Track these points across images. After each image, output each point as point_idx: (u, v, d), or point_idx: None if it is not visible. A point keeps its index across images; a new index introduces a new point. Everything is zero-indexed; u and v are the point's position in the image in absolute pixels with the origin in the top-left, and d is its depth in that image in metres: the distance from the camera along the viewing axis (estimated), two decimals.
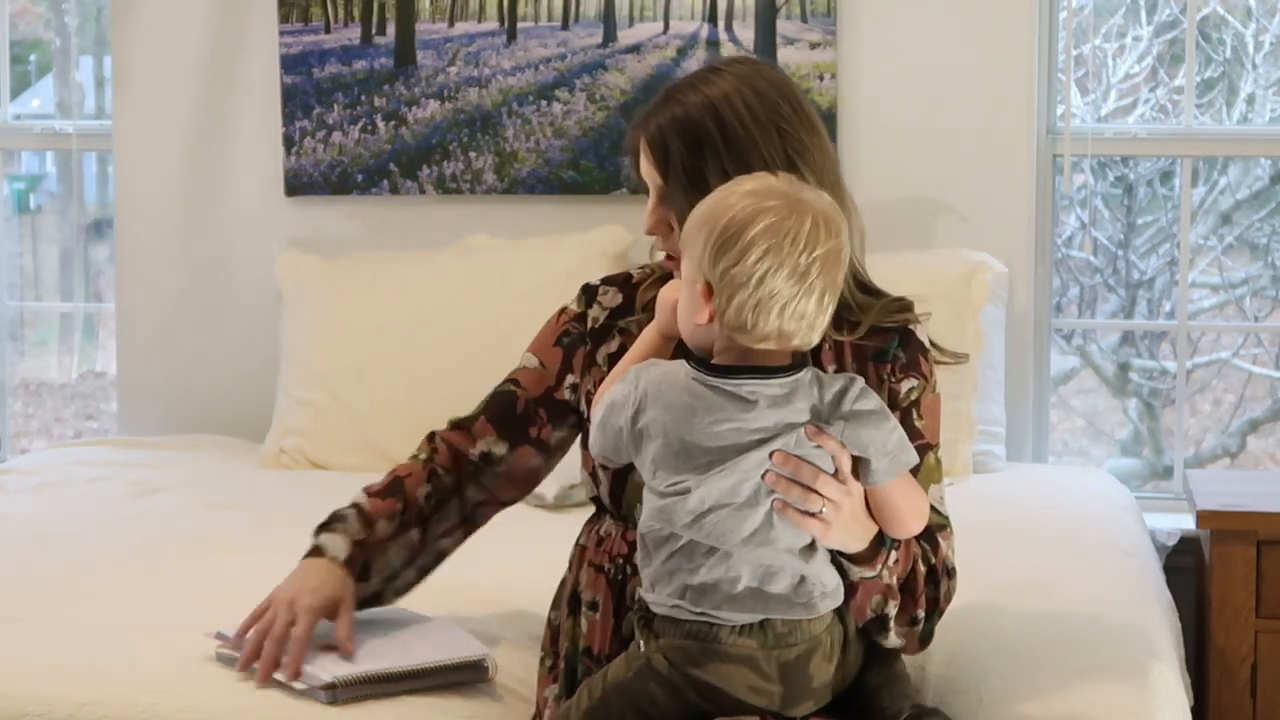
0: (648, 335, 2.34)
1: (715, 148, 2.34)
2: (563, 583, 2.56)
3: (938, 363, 2.45)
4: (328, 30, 4.45)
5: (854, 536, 2.24)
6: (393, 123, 4.43)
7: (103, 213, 6.89)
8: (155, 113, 4.54)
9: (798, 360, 2.21)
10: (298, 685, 2.50)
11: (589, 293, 2.55)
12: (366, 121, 4.44)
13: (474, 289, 4.17)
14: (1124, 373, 5.21)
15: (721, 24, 4.29)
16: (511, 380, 2.61)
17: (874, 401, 2.20)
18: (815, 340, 2.20)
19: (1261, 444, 5.46)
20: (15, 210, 7.05)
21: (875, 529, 2.26)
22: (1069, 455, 5.40)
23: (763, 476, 2.16)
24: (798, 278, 2.13)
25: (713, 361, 2.20)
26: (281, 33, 4.45)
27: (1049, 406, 4.37)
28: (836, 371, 2.34)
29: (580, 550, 2.53)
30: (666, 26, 4.33)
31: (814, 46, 4.24)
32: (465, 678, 2.58)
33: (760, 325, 2.15)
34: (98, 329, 6.79)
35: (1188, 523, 3.86)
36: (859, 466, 2.20)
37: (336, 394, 4.16)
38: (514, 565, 3.10)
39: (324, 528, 2.59)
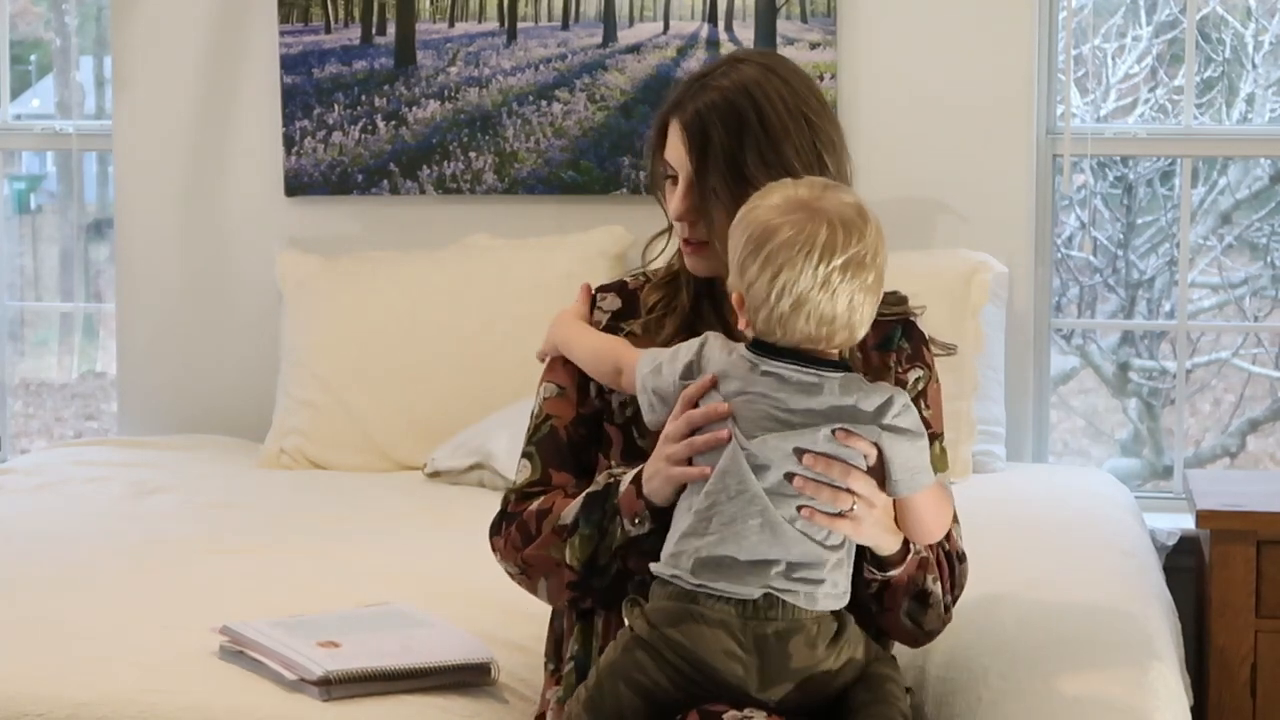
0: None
1: (754, 134, 2.34)
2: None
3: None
4: (328, 30, 4.45)
5: (887, 532, 2.25)
6: (393, 123, 4.43)
7: (103, 213, 6.89)
8: (155, 113, 4.54)
9: (842, 359, 2.23)
10: (289, 676, 2.50)
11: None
12: (366, 121, 4.44)
13: (474, 289, 4.17)
14: (1124, 373, 5.21)
15: (721, 24, 4.29)
16: (544, 417, 2.47)
17: (913, 419, 2.22)
18: (859, 337, 2.22)
19: (1261, 444, 5.46)
20: (15, 210, 7.05)
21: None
22: (1069, 455, 5.39)
23: (789, 479, 2.17)
24: (818, 287, 2.16)
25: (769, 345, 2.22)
26: (281, 33, 4.45)
27: (1049, 406, 4.37)
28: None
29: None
30: (666, 26, 4.33)
31: (814, 46, 4.24)
32: (467, 679, 2.58)
33: (789, 333, 2.18)
34: (98, 329, 6.79)
35: (1188, 523, 3.86)
36: (878, 474, 2.22)
37: (336, 394, 4.16)
38: None
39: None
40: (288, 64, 4.46)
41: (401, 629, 2.66)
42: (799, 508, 2.18)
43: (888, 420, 2.19)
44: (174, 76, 4.52)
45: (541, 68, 4.39)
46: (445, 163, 4.41)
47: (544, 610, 2.59)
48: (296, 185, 4.47)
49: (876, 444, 2.19)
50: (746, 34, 4.27)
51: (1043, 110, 4.23)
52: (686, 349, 2.26)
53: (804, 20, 4.25)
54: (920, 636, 2.39)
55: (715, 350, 2.24)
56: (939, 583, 2.35)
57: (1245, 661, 3.62)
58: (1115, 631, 2.82)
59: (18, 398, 7.00)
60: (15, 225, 7.06)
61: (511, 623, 2.80)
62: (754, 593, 2.18)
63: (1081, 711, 2.52)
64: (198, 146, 4.53)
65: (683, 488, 2.24)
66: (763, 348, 2.21)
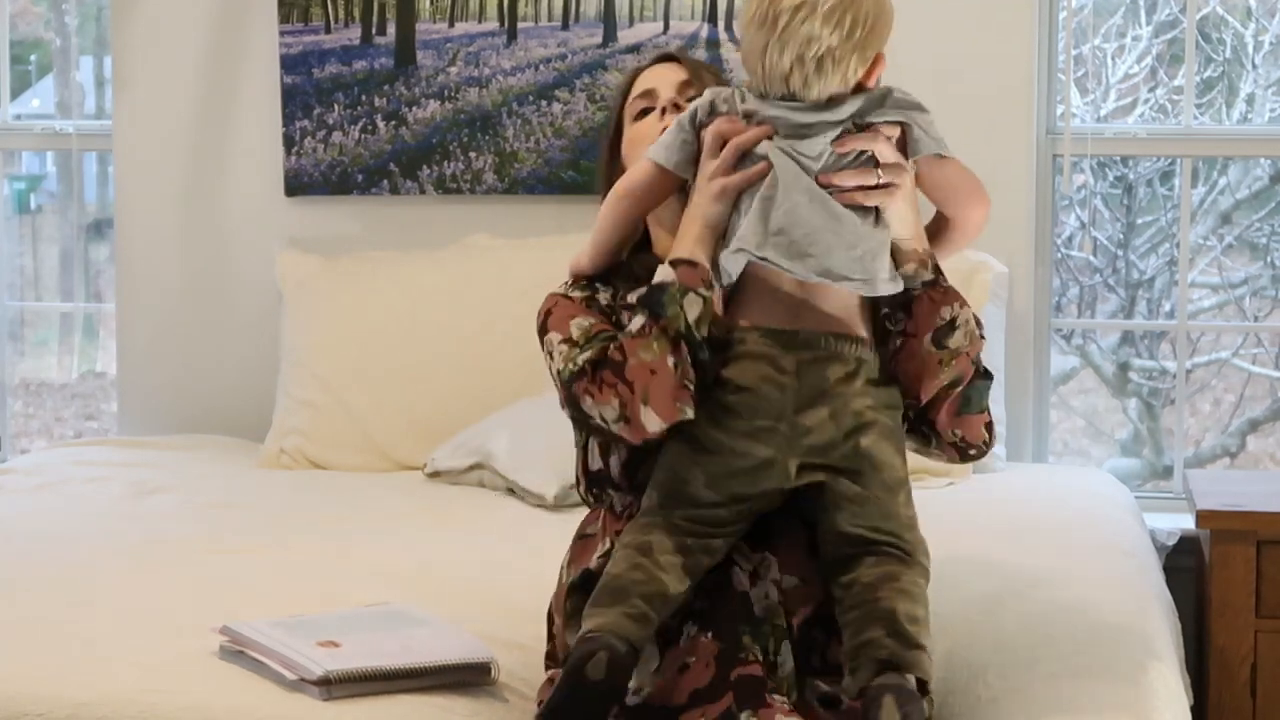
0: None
1: None
2: (565, 588, 2.55)
3: None
4: (328, 30, 4.45)
5: (911, 210, 2.41)
6: (393, 123, 4.43)
7: (103, 213, 6.89)
8: (155, 113, 4.54)
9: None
10: (289, 676, 2.50)
11: (582, 286, 2.55)
12: (366, 121, 4.44)
13: (474, 289, 4.17)
14: (1124, 373, 5.21)
15: (721, 24, 4.29)
16: (594, 332, 2.46)
17: (918, 100, 2.41)
18: (822, 88, 2.33)
19: (1261, 444, 5.46)
20: (15, 210, 7.05)
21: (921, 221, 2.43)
22: (1069, 455, 5.39)
23: (816, 179, 2.32)
24: (769, 26, 2.31)
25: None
26: (281, 33, 4.45)
27: (1049, 406, 4.37)
28: None
29: (584, 541, 2.54)
30: (666, 27, 4.33)
31: None
32: (468, 679, 2.58)
33: (757, 75, 2.35)
34: (98, 329, 6.79)
35: (1188, 523, 3.86)
36: (911, 145, 2.41)
37: (336, 394, 4.16)
38: (514, 565, 3.11)
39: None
40: (288, 64, 4.46)
41: (401, 629, 2.66)
42: (832, 195, 2.32)
43: (896, 96, 2.39)
44: (174, 76, 4.53)
45: (541, 68, 4.39)
46: (445, 163, 4.41)
47: (544, 610, 2.60)
48: (296, 185, 4.47)
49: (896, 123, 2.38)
50: None
51: (1043, 110, 4.23)
52: (699, 104, 2.40)
53: None
54: (946, 362, 2.42)
55: (728, 93, 2.39)
56: (965, 307, 2.44)
57: (1245, 661, 3.62)
58: (1115, 631, 2.82)
59: (18, 398, 7.00)
60: (15, 225, 7.07)
61: (511, 623, 2.80)
62: (812, 275, 2.29)
63: (1081, 711, 2.52)
64: (198, 146, 4.53)
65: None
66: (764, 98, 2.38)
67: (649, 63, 2.65)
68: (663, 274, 2.37)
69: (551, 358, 2.46)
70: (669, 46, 2.44)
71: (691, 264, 2.35)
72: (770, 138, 2.34)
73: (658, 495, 2.36)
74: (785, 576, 2.40)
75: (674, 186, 2.43)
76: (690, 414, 2.33)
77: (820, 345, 2.33)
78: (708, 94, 2.41)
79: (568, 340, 2.44)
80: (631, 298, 2.41)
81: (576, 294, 2.53)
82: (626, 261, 2.55)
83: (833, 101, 2.34)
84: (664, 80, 2.60)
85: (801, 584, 2.39)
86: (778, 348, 2.32)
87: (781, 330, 2.33)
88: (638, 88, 2.62)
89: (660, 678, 2.33)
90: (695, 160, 2.39)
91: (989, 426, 2.51)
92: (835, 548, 2.35)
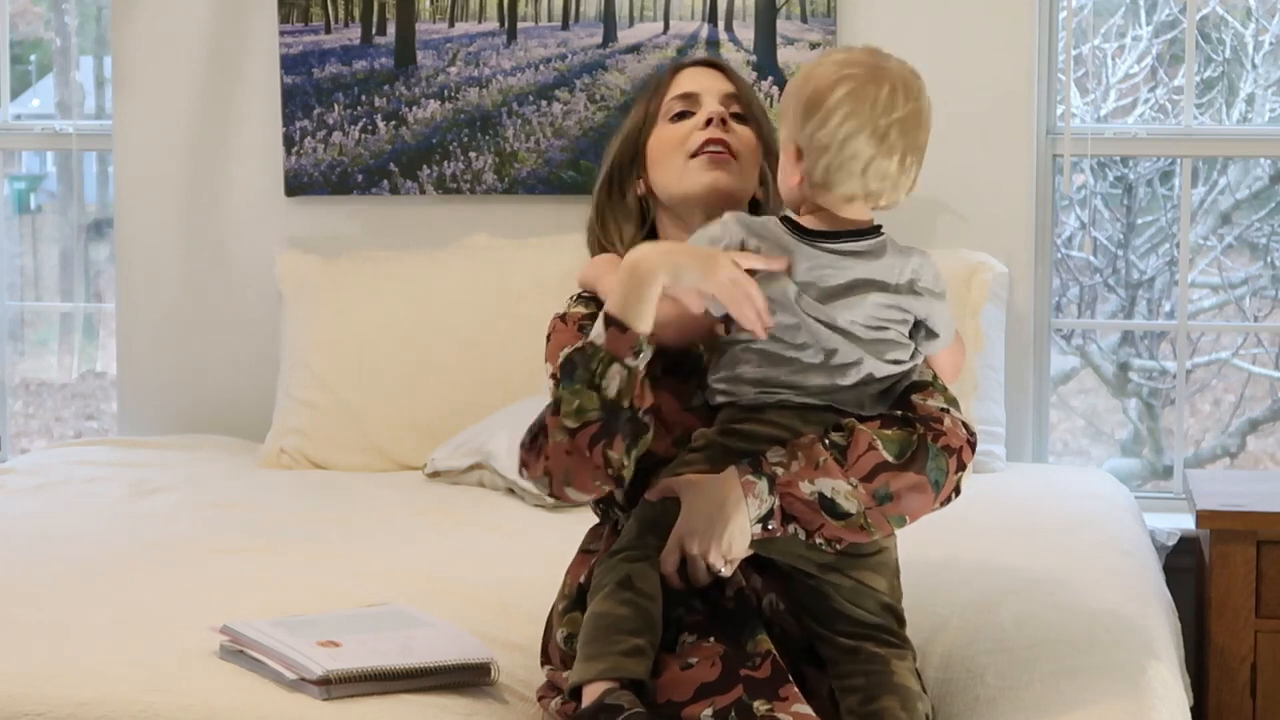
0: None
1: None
2: (561, 595, 2.56)
3: None
4: (328, 30, 4.45)
5: None
6: (393, 123, 4.43)
7: (103, 213, 6.89)
8: (155, 113, 4.54)
9: (876, 225, 2.40)
10: (289, 675, 2.50)
11: (583, 300, 2.54)
12: (366, 121, 4.44)
13: (474, 289, 4.18)
14: (1124, 373, 5.21)
15: (721, 24, 4.29)
16: None
17: (936, 278, 2.41)
18: (900, 199, 2.37)
19: (1261, 444, 5.46)
20: (15, 210, 7.05)
21: None
22: (1069, 455, 5.39)
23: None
24: (877, 139, 2.32)
25: (804, 226, 2.37)
26: (281, 33, 4.45)
27: (1049, 406, 4.37)
28: None
29: (584, 555, 2.53)
30: (666, 26, 4.33)
31: (814, 46, 4.24)
32: (467, 679, 2.58)
33: (843, 184, 2.33)
34: (98, 329, 6.79)
35: (1188, 523, 3.86)
36: (920, 334, 2.40)
37: (336, 394, 4.16)
38: (514, 565, 3.11)
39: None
40: (288, 64, 4.46)
41: (401, 629, 2.66)
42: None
43: (921, 284, 2.37)
44: (174, 76, 4.53)
45: (541, 68, 4.39)
46: (445, 163, 4.41)
47: (543, 611, 2.60)
48: (296, 185, 4.47)
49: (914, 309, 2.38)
50: (746, 34, 4.27)
51: (1043, 110, 4.23)
52: (725, 230, 2.36)
53: (804, 20, 4.25)
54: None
55: (756, 229, 2.36)
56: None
57: (1245, 661, 3.62)
58: (1114, 631, 2.82)
59: (18, 398, 7.00)
60: (15, 225, 7.06)
61: (511, 623, 2.81)
62: (819, 400, 2.34)
63: (1080, 711, 2.52)
64: (198, 146, 4.53)
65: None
66: (793, 228, 2.36)
67: (690, 62, 2.59)
68: (595, 331, 2.32)
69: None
70: (708, 54, 2.38)
71: (623, 327, 2.29)
72: (788, 271, 2.33)
73: (636, 528, 2.36)
74: (778, 600, 2.40)
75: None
76: (610, 489, 2.34)
77: (824, 422, 2.35)
78: (734, 230, 2.36)
79: (554, 377, 2.40)
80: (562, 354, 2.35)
81: (579, 309, 2.51)
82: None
83: (871, 233, 2.37)
84: (709, 88, 2.53)
85: (790, 615, 2.39)
86: (798, 420, 2.34)
87: (807, 405, 2.35)
88: (677, 87, 2.55)
89: (659, 678, 2.32)
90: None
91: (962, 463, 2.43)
92: (843, 627, 2.37)
